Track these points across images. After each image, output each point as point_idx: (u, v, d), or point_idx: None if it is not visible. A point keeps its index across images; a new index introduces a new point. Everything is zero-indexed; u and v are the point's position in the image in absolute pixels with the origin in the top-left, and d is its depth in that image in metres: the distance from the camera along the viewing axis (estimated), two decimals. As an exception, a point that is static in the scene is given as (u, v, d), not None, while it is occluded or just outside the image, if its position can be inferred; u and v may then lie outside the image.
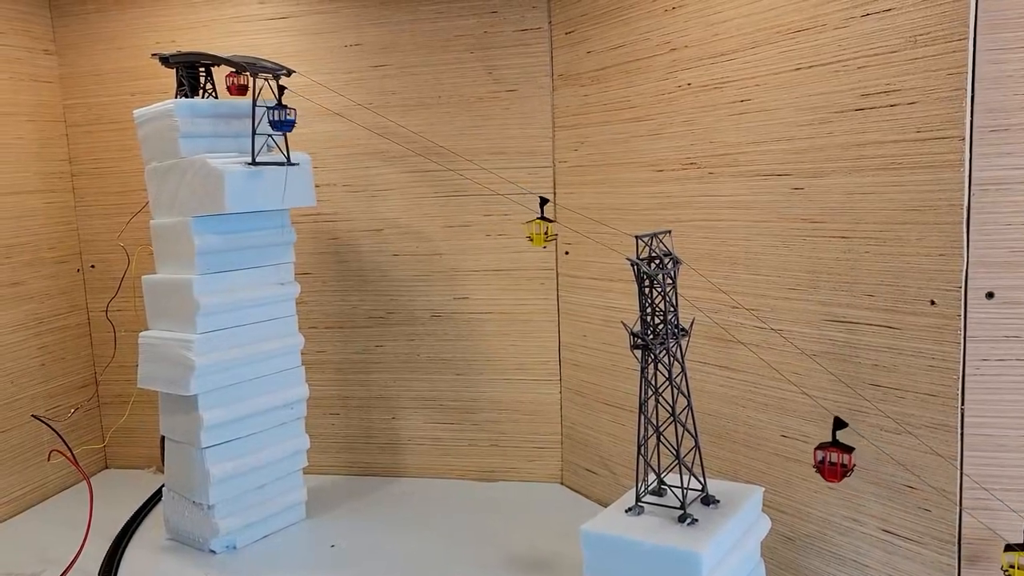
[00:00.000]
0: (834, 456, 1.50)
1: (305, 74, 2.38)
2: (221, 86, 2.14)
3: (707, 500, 1.60)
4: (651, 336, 1.57)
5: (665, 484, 1.66)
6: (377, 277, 2.51)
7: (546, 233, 2.04)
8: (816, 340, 1.69)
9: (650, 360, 1.59)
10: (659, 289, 1.55)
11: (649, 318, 1.60)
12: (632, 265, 1.54)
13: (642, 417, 1.61)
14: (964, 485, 1.46)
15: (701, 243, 1.93)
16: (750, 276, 1.82)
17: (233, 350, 2.08)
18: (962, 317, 1.43)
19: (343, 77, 2.44)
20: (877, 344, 1.57)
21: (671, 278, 1.57)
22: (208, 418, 2.04)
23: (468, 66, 2.39)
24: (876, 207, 1.55)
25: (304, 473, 2.34)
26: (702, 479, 1.62)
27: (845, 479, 1.51)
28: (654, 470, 1.63)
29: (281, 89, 1.98)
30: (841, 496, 1.67)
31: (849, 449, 1.51)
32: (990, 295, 1.42)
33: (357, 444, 2.60)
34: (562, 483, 2.52)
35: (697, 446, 1.62)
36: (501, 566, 2.01)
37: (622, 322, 1.63)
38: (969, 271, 1.43)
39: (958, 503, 1.47)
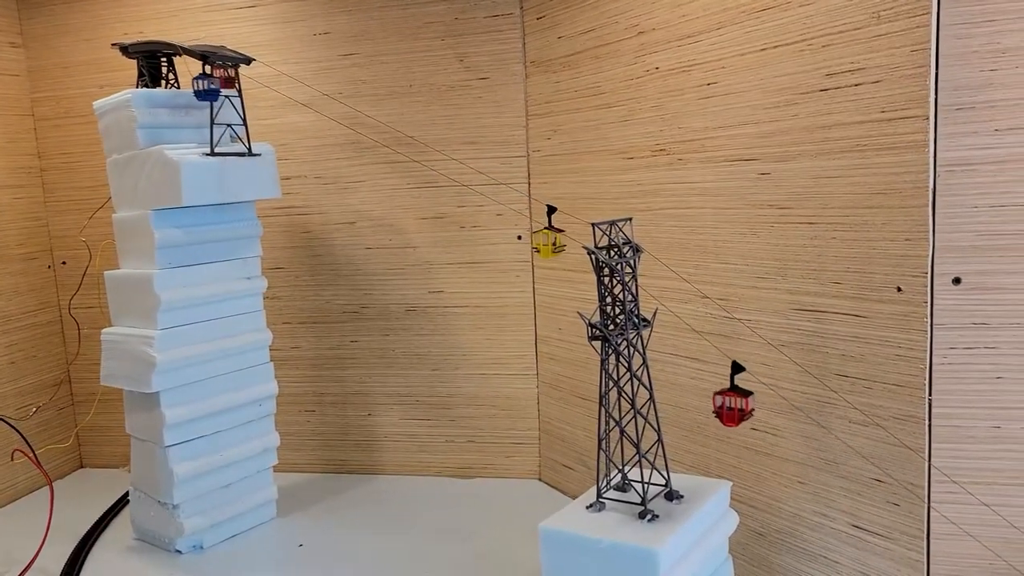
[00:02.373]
0: (731, 401, 1.47)
1: (273, 64, 2.34)
2: (185, 77, 2.10)
3: (671, 495, 1.55)
4: (610, 327, 1.52)
5: (629, 480, 1.61)
6: (351, 271, 2.47)
7: (555, 243, 1.91)
8: (784, 330, 1.63)
9: (610, 352, 1.54)
10: (618, 278, 1.50)
11: (609, 308, 1.55)
12: (589, 254, 1.49)
13: (603, 410, 1.56)
14: (932, 478, 1.41)
15: (671, 232, 1.88)
16: (719, 265, 1.77)
17: (197, 346, 2.04)
18: (928, 304, 1.38)
19: (312, 67, 2.40)
20: (844, 333, 1.52)
21: (631, 267, 1.53)
22: (171, 416, 2.00)
23: (439, 54, 2.34)
24: (842, 191, 1.49)
25: (277, 471, 2.30)
26: (665, 474, 1.57)
27: (744, 423, 1.49)
28: (616, 465, 1.58)
29: (231, 79, 1.93)
30: (811, 490, 1.62)
31: (746, 394, 1.47)
32: (957, 281, 1.37)
33: (332, 441, 2.56)
34: (540, 479, 2.48)
35: (660, 440, 1.57)
36: (474, 564, 1.97)
37: (578, 312, 1.58)
38: (935, 256, 1.37)
39: (926, 497, 1.42)
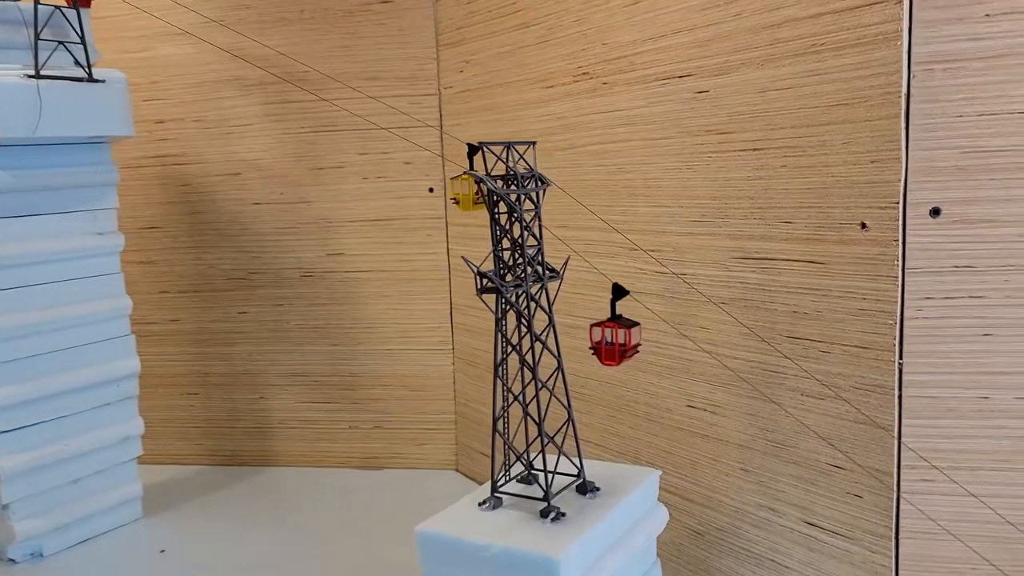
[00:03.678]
0: (612, 334, 1.20)
1: (140, -14, 1.99)
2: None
3: (584, 488, 1.25)
4: (507, 278, 1.21)
5: (534, 469, 1.31)
6: (236, 231, 2.13)
7: (478, 192, 1.53)
8: (725, 284, 1.33)
9: (506, 308, 1.23)
10: (517, 216, 1.19)
11: (505, 255, 1.24)
12: (478, 182, 1.18)
13: (498, 382, 1.26)
14: (903, 463, 1.12)
15: (595, 172, 1.57)
16: (649, 209, 1.46)
17: (29, 313, 1.69)
18: (900, 243, 1.09)
19: (188, -10, 2.05)
20: (796, 285, 1.22)
21: (533, 202, 1.21)
22: (-3, 397, 1.66)
23: (335, -26, 2.01)
24: (793, 106, 1.19)
25: (154, 464, 1.98)
26: (577, 461, 1.27)
27: (625, 362, 1.22)
28: (515, 451, 1.28)
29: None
30: (756, 479, 1.33)
31: (630, 324, 1.20)
32: (935, 212, 1.08)
33: (220, 429, 2.22)
34: (457, 470, 2.17)
35: (570, 419, 1.27)
36: (365, 568, 1.65)
37: (463, 257, 1.27)
38: (909, 181, 1.08)
39: (895, 487, 1.13)
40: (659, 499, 1.33)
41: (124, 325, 1.86)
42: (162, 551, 1.77)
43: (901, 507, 1.13)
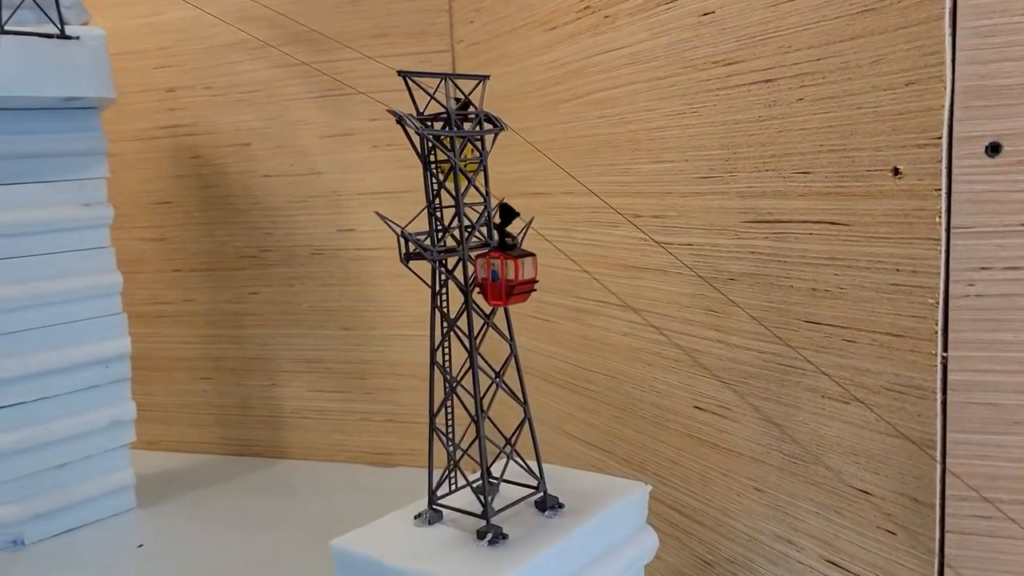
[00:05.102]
0: (498, 266, 0.94)
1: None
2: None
3: (544, 503, 1.01)
4: (441, 242, 0.99)
5: (492, 477, 1.08)
6: (247, 205, 1.99)
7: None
8: (735, 255, 1.06)
9: (444, 279, 1.01)
10: (451, 164, 0.97)
11: (440, 213, 1.01)
12: (399, 121, 0.96)
13: (434, 369, 1.04)
14: (949, 492, 0.83)
15: (598, 125, 1.32)
16: (653, 166, 1.20)
17: (7, 287, 1.60)
18: (944, 193, 0.80)
19: (193, -52, 1.92)
20: (815, 254, 0.94)
21: (478, 149, 0.99)
22: (-32, 375, 1.57)
23: (343, -77, 1.83)
24: (810, 20, 0.92)
25: (166, 451, 1.87)
26: (536, 469, 1.03)
27: (518, 302, 0.96)
28: (451, 456, 1.06)
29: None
30: (771, 502, 1.05)
31: (522, 254, 0.93)
32: (994, 148, 0.78)
33: (233, 416, 2.09)
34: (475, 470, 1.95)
35: (527, 418, 1.04)
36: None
37: (376, 212, 1.06)
38: (957, 107, 0.78)
39: (937, 523, 0.83)
40: (665, 518, 1.08)
41: (114, 303, 1.75)
42: (140, 545, 1.64)
43: (947, 551, 0.84)
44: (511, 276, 0.91)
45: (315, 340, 2.00)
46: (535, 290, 0.96)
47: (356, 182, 1.90)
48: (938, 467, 0.82)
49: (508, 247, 0.94)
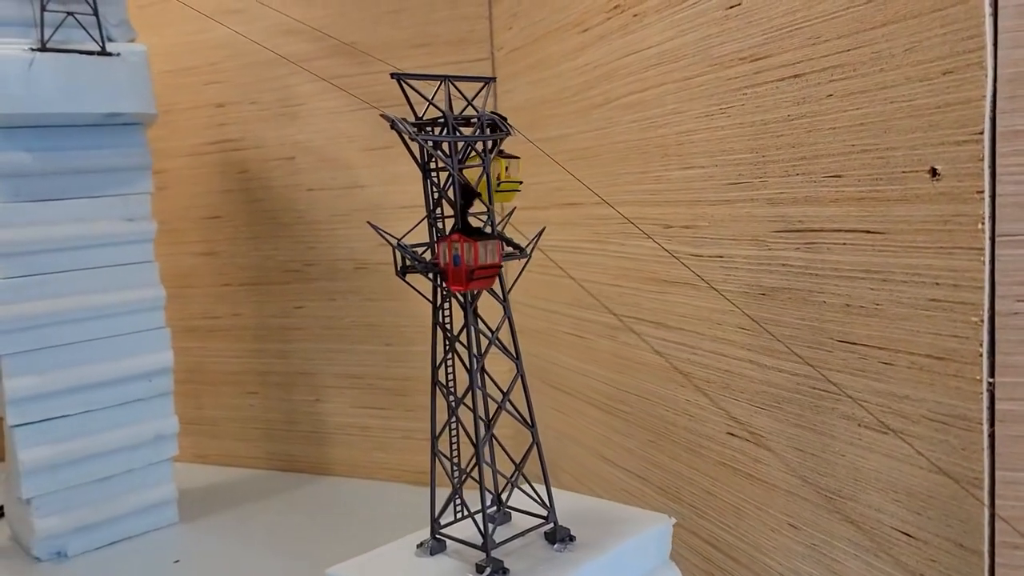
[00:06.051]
0: (458, 249, 0.89)
1: (190, -37, 1.89)
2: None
3: (554, 535, 0.94)
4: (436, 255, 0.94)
5: (503, 505, 1.02)
6: (292, 219, 1.98)
7: (499, 179, 1.11)
8: (766, 267, 0.97)
9: (446, 294, 0.96)
10: (451, 173, 0.92)
11: (442, 224, 0.96)
12: (392, 126, 0.91)
13: (436, 390, 0.98)
14: (998, 537, 0.72)
15: (630, 131, 1.25)
16: (682, 172, 1.12)
17: (52, 301, 1.62)
18: (987, 196, 0.70)
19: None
20: (849, 265, 0.85)
21: (481, 156, 0.93)
22: (15, 388, 1.59)
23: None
24: (839, 7, 0.83)
25: (213, 465, 1.86)
26: (546, 497, 0.96)
27: (479, 287, 0.91)
28: (453, 481, 1.00)
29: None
30: (807, 541, 0.95)
31: (481, 236, 0.88)
32: (1046, 143, 0.68)
33: (278, 431, 2.08)
34: (521, 491, 1.88)
35: (535, 442, 0.97)
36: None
37: (369, 222, 1.01)
38: (1000, 98, 0.69)
39: (987, 570, 0.73)
40: (700, 551, 0.99)
41: (158, 317, 1.76)
42: (176, 561, 1.63)
43: (998, 606, 0.73)
44: (471, 261, 0.85)
45: (357, 356, 1.97)
46: (498, 276, 0.90)
47: (398, 194, 1.87)
48: (986, 510, 0.72)
49: (470, 231, 0.88)
